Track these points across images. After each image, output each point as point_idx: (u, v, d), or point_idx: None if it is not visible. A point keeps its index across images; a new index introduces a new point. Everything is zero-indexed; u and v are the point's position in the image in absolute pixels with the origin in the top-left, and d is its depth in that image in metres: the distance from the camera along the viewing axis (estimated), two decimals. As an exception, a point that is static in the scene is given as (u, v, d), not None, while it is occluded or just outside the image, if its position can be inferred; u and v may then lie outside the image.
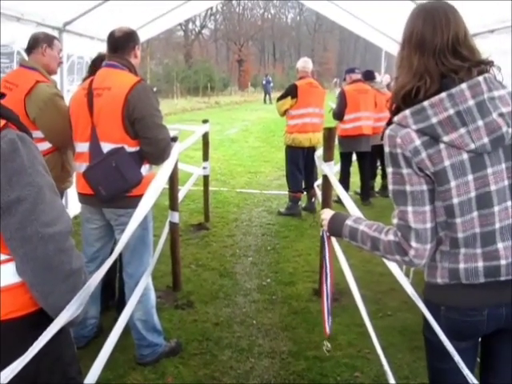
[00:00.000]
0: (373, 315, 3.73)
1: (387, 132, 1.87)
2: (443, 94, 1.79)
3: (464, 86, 1.79)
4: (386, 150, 1.87)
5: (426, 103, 1.80)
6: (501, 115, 1.79)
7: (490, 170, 1.81)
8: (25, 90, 3.77)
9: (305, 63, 8.02)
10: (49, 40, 4.08)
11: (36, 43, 4.02)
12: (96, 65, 3.98)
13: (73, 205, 5.53)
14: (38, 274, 1.53)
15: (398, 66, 1.96)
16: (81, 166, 3.54)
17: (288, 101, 7.75)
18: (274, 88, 41.43)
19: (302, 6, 69.35)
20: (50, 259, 1.54)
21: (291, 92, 7.78)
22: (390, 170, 1.88)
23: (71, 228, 1.62)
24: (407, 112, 1.82)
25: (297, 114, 7.77)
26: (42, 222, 1.53)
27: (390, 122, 1.91)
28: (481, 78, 1.81)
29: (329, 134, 4.63)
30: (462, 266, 1.86)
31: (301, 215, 7.87)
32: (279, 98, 8.04)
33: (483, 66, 1.86)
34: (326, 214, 2.25)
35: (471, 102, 1.78)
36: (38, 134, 3.73)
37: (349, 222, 2.09)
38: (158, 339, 3.77)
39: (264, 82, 42.79)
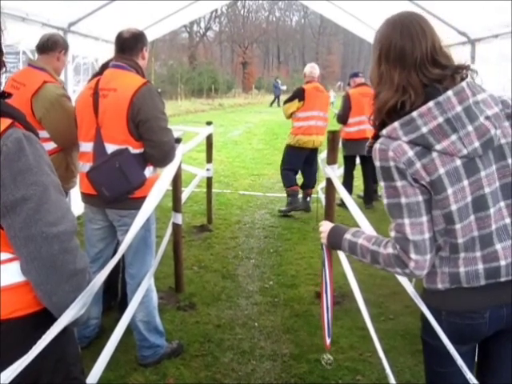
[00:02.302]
0: (375, 318, 3.72)
1: (377, 146, 1.85)
2: (431, 103, 1.78)
3: (450, 93, 1.79)
4: (377, 164, 1.85)
5: (414, 114, 1.79)
6: (487, 118, 1.79)
7: (483, 173, 1.82)
8: (32, 89, 3.79)
9: (312, 68, 8.25)
10: (66, 46, 4.15)
11: (55, 46, 4.04)
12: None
13: (76, 205, 5.54)
14: (42, 274, 1.53)
15: (377, 82, 1.93)
16: (84, 166, 3.54)
17: (295, 103, 7.95)
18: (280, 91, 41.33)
19: (307, 9, 69.37)
20: (55, 259, 1.54)
21: (299, 95, 7.98)
22: (382, 184, 1.87)
23: (76, 228, 1.62)
24: (396, 124, 1.81)
25: (303, 116, 7.94)
26: (47, 222, 1.53)
27: (376, 137, 1.90)
28: (464, 84, 1.81)
29: (333, 136, 4.63)
30: (462, 269, 1.86)
31: (302, 208, 8.10)
32: (286, 101, 8.23)
33: (463, 71, 1.86)
34: (325, 227, 2.24)
35: (459, 108, 1.78)
36: (43, 133, 3.75)
37: (347, 236, 2.07)
38: (159, 340, 3.77)
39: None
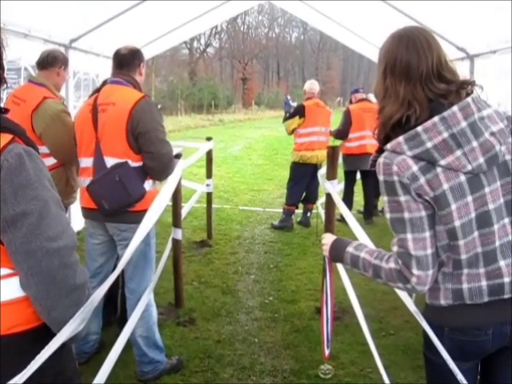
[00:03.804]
0: (375, 334, 3.71)
1: (381, 160, 1.84)
2: (436, 118, 1.78)
3: (455, 108, 1.78)
4: (381, 178, 1.85)
5: (419, 128, 1.78)
6: (492, 134, 1.79)
7: (487, 190, 1.81)
8: (32, 105, 3.81)
9: (311, 85, 8.41)
10: (66, 62, 4.16)
11: (54, 62, 4.07)
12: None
13: (76, 220, 5.54)
14: (42, 289, 1.53)
15: (382, 96, 1.93)
16: (85, 181, 3.55)
17: (296, 120, 8.07)
18: (277, 107, 41.15)
19: (306, 25, 69.83)
20: (55, 274, 1.54)
21: (299, 112, 8.12)
22: (385, 198, 1.86)
23: (76, 243, 1.62)
24: (401, 139, 1.80)
25: (304, 132, 8.05)
26: (47, 237, 1.53)
27: (381, 150, 1.90)
28: (469, 99, 1.81)
29: (332, 152, 4.64)
30: (465, 286, 1.85)
31: (293, 228, 8.15)
32: (287, 118, 8.32)
33: (468, 86, 1.86)
34: (328, 240, 2.23)
35: (464, 124, 1.77)
36: (43, 149, 3.76)
37: (350, 249, 2.06)
38: (159, 356, 3.75)
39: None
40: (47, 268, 1.52)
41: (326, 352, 2.40)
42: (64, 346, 1.65)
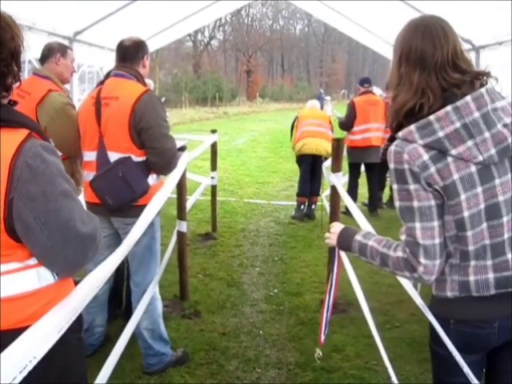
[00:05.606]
0: (381, 327, 3.71)
1: (393, 148, 1.84)
2: (449, 108, 1.77)
3: (468, 98, 1.78)
4: (391, 166, 1.85)
5: (431, 117, 1.78)
6: (505, 126, 1.78)
7: (497, 181, 1.81)
8: (37, 98, 3.80)
9: (312, 106, 9.14)
10: (62, 49, 4.13)
11: (50, 53, 4.06)
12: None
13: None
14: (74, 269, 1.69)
15: (396, 83, 1.92)
16: (88, 175, 3.55)
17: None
18: (282, 100, 40.63)
19: (311, 17, 69.60)
20: (90, 256, 1.71)
21: (294, 121, 8.68)
22: (395, 186, 1.86)
23: (98, 225, 1.77)
24: (413, 127, 1.80)
25: (299, 130, 8.37)
26: (79, 223, 1.60)
27: (392, 139, 1.89)
28: (483, 90, 1.80)
29: (337, 144, 4.63)
30: (472, 278, 1.84)
31: (301, 219, 8.22)
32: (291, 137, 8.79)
33: (482, 77, 1.86)
34: (336, 228, 2.23)
35: (477, 114, 1.77)
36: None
37: (358, 238, 2.06)
38: (164, 348, 3.76)
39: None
40: (82, 251, 1.65)
41: (322, 338, 2.42)
42: (72, 344, 1.67)
